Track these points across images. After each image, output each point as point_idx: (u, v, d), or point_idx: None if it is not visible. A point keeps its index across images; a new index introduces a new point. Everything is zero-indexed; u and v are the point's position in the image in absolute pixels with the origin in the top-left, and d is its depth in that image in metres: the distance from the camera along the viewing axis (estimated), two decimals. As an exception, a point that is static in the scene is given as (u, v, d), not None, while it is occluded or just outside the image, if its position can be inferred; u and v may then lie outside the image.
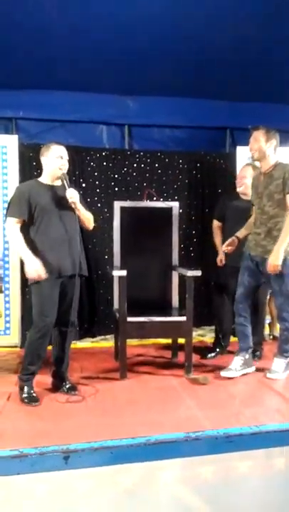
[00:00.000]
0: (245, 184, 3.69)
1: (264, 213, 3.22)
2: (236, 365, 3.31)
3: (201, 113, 4.75)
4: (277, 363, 3.28)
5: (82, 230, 3.05)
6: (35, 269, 2.79)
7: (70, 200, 2.88)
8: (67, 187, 2.90)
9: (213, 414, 2.64)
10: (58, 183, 2.98)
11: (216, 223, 3.96)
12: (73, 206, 2.89)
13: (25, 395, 2.85)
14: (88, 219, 3.03)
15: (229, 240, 3.48)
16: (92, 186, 4.55)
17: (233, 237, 3.47)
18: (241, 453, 2.20)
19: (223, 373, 3.28)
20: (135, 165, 4.66)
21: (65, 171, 2.95)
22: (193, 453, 2.17)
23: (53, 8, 3.34)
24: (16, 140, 4.20)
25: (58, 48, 3.75)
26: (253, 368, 3.39)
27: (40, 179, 3.03)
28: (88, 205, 4.57)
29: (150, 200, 3.97)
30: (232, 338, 3.87)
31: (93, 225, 3.10)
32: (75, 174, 4.50)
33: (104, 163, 4.58)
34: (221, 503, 2.16)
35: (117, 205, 3.78)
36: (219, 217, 3.92)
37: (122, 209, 3.76)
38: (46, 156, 2.95)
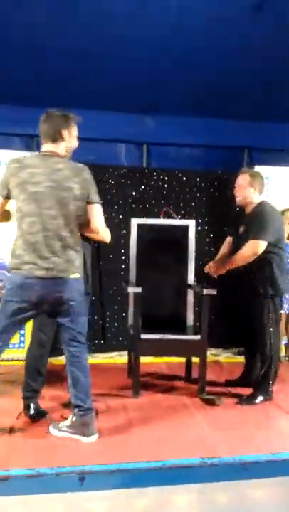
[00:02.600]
0: (242, 194, 3.39)
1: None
2: None
3: (219, 132, 4.77)
4: None
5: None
6: None
7: None
8: None
9: (225, 436, 2.61)
10: None
11: (227, 238, 3.84)
12: None
13: (32, 412, 2.83)
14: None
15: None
16: (110, 203, 4.59)
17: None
18: (256, 480, 2.17)
19: None
20: (153, 183, 4.70)
21: None
22: (208, 479, 2.16)
23: (77, 28, 3.43)
24: (37, 157, 4.26)
25: (79, 67, 3.83)
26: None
27: None
28: (105, 222, 4.65)
29: (167, 218, 3.98)
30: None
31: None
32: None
33: (123, 181, 4.63)
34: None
35: (134, 222, 3.80)
36: (230, 232, 3.78)
37: (139, 226, 3.79)
38: None
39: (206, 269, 3.54)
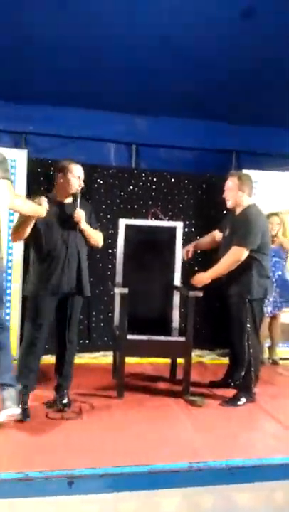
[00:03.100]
0: (231, 198, 3.38)
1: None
2: None
3: (208, 135, 4.82)
4: None
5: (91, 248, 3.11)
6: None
7: (75, 220, 2.92)
8: (78, 206, 2.95)
9: (208, 437, 2.63)
10: (68, 200, 3.02)
11: (215, 231, 3.74)
12: (79, 226, 2.94)
13: (21, 413, 2.78)
14: (95, 238, 3.06)
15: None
16: (98, 203, 4.59)
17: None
18: (242, 485, 2.20)
19: None
20: (141, 184, 4.71)
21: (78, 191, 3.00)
22: (195, 483, 2.17)
23: (66, 24, 3.41)
24: (25, 155, 4.25)
25: (69, 65, 3.81)
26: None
27: (50, 194, 3.05)
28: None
29: (155, 219, 4.00)
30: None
31: (102, 243, 3.14)
32: (82, 190, 4.55)
33: (111, 181, 4.64)
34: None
35: (122, 222, 3.81)
36: (220, 228, 3.69)
37: (127, 227, 3.79)
38: (64, 173, 2.99)
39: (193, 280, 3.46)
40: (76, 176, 2.98)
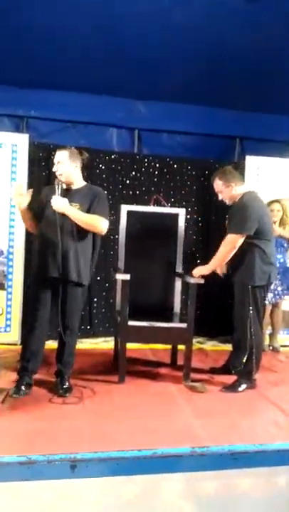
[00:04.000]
0: (225, 196, 3.38)
1: None
2: None
3: (212, 121, 4.76)
4: None
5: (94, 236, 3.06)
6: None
7: (53, 208, 2.90)
8: (57, 193, 2.92)
9: (208, 423, 2.64)
10: (73, 186, 3.03)
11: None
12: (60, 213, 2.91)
13: (13, 388, 2.91)
14: (90, 224, 2.95)
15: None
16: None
17: None
18: (244, 470, 2.21)
19: None
20: (143, 169, 4.67)
21: (61, 176, 2.97)
22: (197, 468, 2.18)
23: (68, 9, 3.36)
24: (27, 139, 4.21)
25: (71, 49, 3.76)
26: None
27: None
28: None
29: (157, 206, 3.97)
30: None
31: (103, 228, 2.99)
32: (83, 175, 4.51)
33: (113, 166, 4.60)
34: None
35: (124, 209, 3.79)
36: None
37: (129, 213, 3.77)
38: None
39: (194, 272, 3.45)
40: (56, 162, 2.99)
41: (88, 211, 2.96)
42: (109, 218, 3.08)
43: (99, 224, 2.97)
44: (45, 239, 2.95)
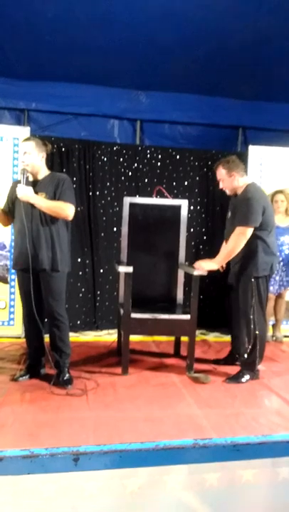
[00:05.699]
0: (227, 186, 3.34)
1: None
2: None
3: (214, 111, 4.73)
4: None
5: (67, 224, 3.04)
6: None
7: (18, 197, 2.89)
8: (22, 182, 2.91)
9: (212, 414, 2.65)
10: (39, 176, 3.01)
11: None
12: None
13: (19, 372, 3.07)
14: (55, 211, 2.90)
15: None
16: (102, 180, 4.55)
17: None
18: (247, 461, 2.21)
19: None
20: (146, 160, 4.65)
21: (27, 166, 2.95)
22: (200, 460, 2.19)
23: (69, 0, 3.33)
24: (28, 132, 4.19)
25: (72, 41, 3.74)
26: None
27: None
28: (98, 199, 4.58)
29: (160, 197, 3.96)
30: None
31: (68, 213, 2.93)
32: (86, 168, 4.51)
33: (115, 158, 4.58)
34: (225, 509, 2.17)
35: (127, 201, 3.77)
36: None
37: (132, 205, 3.76)
38: None
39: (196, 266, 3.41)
40: (22, 152, 2.98)
41: (54, 198, 2.95)
42: (76, 204, 3.02)
43: (64, 210, 2.93)
44: (17, 231, 3.01)
